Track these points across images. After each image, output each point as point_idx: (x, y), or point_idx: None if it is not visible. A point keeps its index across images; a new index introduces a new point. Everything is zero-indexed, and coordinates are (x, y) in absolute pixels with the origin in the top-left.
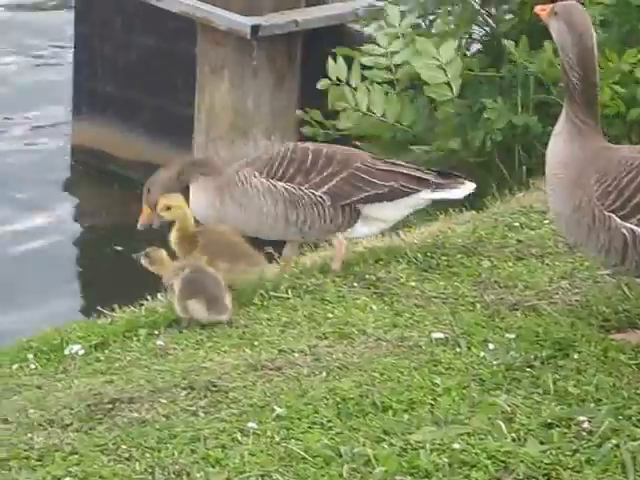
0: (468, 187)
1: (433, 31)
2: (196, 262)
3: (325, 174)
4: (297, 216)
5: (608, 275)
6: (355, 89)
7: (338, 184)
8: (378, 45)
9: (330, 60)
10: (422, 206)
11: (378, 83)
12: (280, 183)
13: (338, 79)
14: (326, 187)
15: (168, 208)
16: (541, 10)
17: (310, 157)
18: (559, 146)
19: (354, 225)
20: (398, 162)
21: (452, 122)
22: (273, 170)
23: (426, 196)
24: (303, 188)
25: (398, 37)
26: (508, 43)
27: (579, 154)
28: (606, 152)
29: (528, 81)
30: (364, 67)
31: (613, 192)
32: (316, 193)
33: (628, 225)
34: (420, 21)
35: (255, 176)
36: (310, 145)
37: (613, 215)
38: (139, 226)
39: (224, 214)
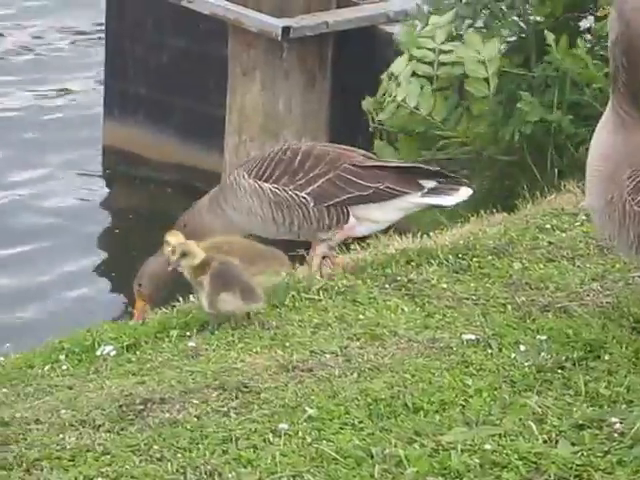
0: (463, 193)
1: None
2: (221, 256)
3: (311, 175)
4: (283, 217)
5: (639, 277)
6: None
7: (323, 185)
8: (432, 39)
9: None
10: (414, 210)
11: (418, 76)
12: (266, 184)
13: (392, 74)
14: (310, 188)
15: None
16: None
17: (299, 158)
18: (602, 137)
19: (346, 224)
20: (392, 164)
21: (486, 120)
22: (261, 171)
23: (415, 200)
24: (288, 189)
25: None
26: (549, 36)
27: (620, 148)
28: None
29: (564, 81)
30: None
31: None
32: (300, 194)
33: None
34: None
35: (244, 177)
36: (304, 145)
37: None
38: (135, 322)
39: (228, 218)
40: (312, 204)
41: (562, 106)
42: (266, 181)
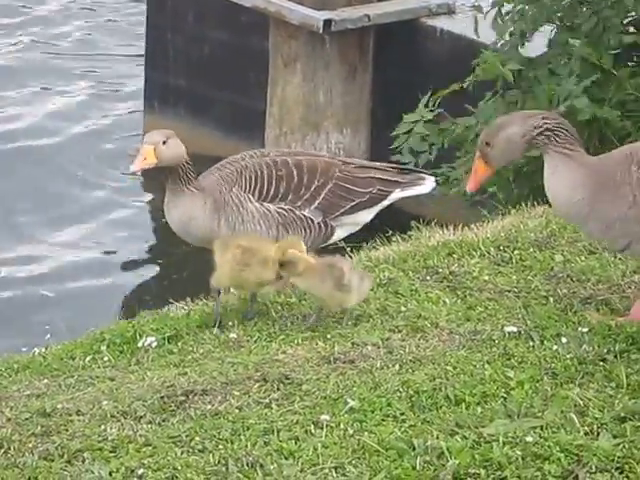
0: (430, 183)
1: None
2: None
3: (313, 188)
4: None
5: None
6: None
7: (327, 197)
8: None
9: None
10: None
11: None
12: (273, 206)
13: None
14: (317, 202)
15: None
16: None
17: (296, 172)
18: (562, 177)
19: (334, 235)
20: (369, 165)
21: None
22: (264, 191)
23: (397, 195)
24: (294, 209)
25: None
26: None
27: (588, 169)
28: (616, 154)
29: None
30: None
31: None
32: (306, 214)
33: None
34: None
35: (250, 201)
36: (288, 157)
37: None
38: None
39: (218, 235)
40: (320, 219)
41: (611, 101)
42: (271, 201)
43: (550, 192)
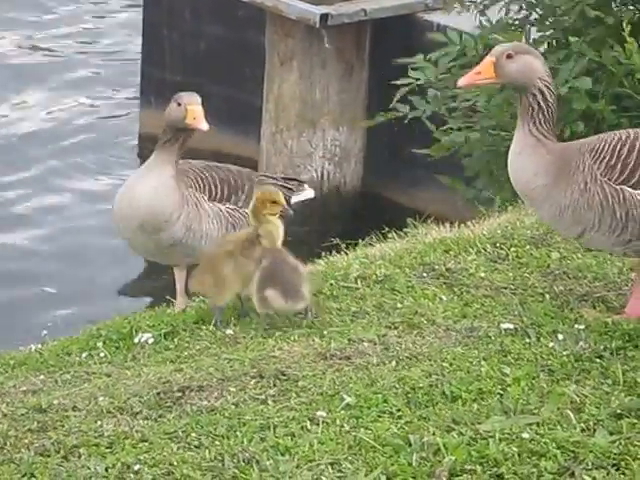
0: (309, 188)
1: None
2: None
3: (246, 191)
4: None
5: None
6: None
7: None
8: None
9: None
10: None
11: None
12: (222, 206)
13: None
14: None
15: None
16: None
17: (230, 176)
18: (528, 160)
19: None
20: (260, 173)
21: None
22: (213, 191)
23: (295, 200)
24: (238, 209)
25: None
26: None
27: (552, 157)
28: (577, 143)
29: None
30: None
31: (617, 165)
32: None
33: None
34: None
35: (205, 200)
36: (211, 163)
37: (625, 187)
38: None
39: (170, 228)
40: None
41: (605, 96)
42: (219, 201)
43: (512, 172)
